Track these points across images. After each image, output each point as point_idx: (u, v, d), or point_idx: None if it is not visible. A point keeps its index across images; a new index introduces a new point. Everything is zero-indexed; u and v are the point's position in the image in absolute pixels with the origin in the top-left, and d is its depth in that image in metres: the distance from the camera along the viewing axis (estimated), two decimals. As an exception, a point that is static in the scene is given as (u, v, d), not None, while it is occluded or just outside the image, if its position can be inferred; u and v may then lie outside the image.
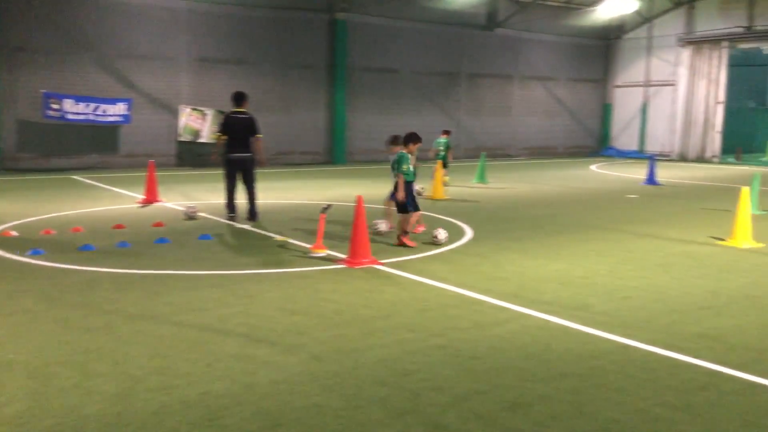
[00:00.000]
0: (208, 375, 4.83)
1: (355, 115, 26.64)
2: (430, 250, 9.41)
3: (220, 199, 12.35)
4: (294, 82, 25.24)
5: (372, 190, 16.99)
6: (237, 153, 11.47)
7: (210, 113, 22.86)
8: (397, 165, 9.60)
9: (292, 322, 6.10)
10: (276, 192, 16.43)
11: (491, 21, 29.70)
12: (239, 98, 11.64)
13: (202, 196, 15.19)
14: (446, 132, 18.69)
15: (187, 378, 4.77)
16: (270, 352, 5.33)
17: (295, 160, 25.40)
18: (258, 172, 11.91)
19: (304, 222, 11.66)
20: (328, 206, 9.48)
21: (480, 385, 4.73)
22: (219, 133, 11.83)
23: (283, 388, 4.62)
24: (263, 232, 10.69)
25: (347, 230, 9.21)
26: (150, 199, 14.04)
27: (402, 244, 9.51)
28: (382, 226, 10.30)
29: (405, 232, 9.61)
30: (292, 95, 25.24)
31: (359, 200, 8.49)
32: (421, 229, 10.48)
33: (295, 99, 25.34)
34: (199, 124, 22.88)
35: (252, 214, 11.69)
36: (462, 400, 4.47)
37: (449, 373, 4.92)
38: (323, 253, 8.96)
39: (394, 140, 10.19)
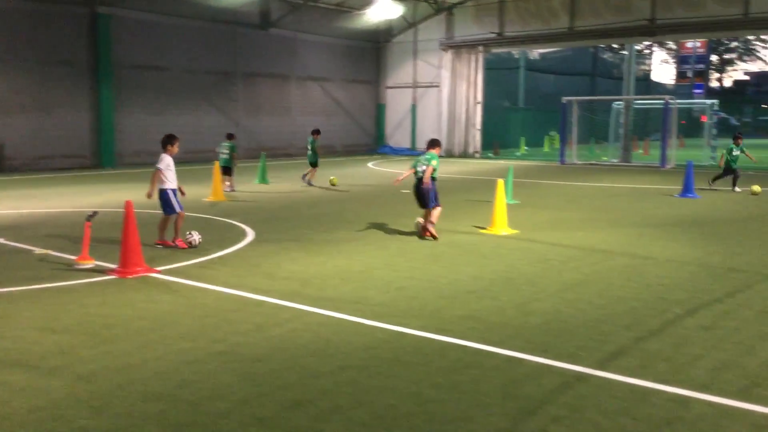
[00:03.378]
0: (-48, 411, 4.26)
1: (125, 115, 25.13)
2: (211, 254, 9.16)
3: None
4: (53, 80, 23.18)
5: (143, 194, 16.14)
6: None
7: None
8: (427, 162, 10.66)
9: (54, 341, 5.59)
10: (35, 200, 15.00)
11: (265, 20, 29.64)
12: None
13: (-57, 208, 13.38)
14: (230, 136, 17.86)
15: (-75, 417, 4.17)
16: (28, 376, 4.83)
17: (57, 165, 23.36)
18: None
19: (67, 232, 10.76)
20: (94, 213, 8.81)
21: (261, 387, 4.69)
22: None
23: (45, 414, 4.21)
24: (19, 245, 9.67)
25: (118, 238, 8.63)
26: None
27: (431, 235, 10.48)
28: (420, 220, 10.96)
29: (431, 223, 10.57)
30: (51, 94, 23.16)
31: (129, 206, 8.00)
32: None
33: (56, 98, 23.29)
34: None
35: None
36: (242, 405, 4.39)
37: (230, 380, 4.82)
38: (90, 264, 8.32)
39: (431, 143, 11.25)
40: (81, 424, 4.09)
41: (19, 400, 4.42)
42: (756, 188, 16.78)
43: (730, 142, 18.27)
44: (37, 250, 9.27)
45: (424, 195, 10.59)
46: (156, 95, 26.11)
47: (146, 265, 8.09)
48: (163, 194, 9.50)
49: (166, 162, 9.43)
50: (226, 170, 16.87)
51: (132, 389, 4.62)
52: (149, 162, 25.65)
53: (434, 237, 10.44)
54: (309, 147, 18.67)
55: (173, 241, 9.56)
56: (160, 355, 5.28)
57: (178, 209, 9.55)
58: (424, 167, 10.68)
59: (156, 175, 9.34)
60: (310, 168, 18.91)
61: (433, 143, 11.22)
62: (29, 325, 6.00)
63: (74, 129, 23.85)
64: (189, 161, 27.11)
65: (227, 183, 16.83)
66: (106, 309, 6.53)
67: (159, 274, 7.96)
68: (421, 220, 10.80)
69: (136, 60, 25.36)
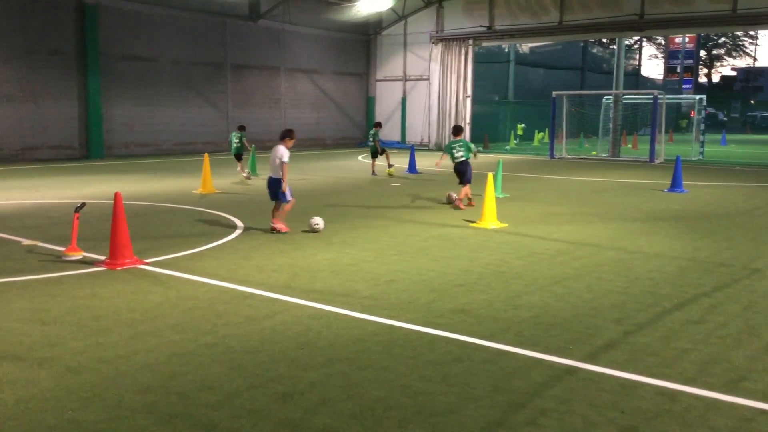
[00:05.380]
0: (-61, 403, 4.23)
1: (113, 106, 24.95)
2: (200, 246, 9.13)
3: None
4: (40, 69, 22.94)
5: (132, 185, 16.07)
6: None
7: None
8: (467, 148, 13.17)
9: (43, 333, 5.56)
10: (22, 191, 14.89)
11: (254, 12, 29.47)
12: None
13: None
14: (241, 127, 18.80)
15: None
16: (16, 368, 4.80)
17: (44, 156, 23.18)
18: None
19: (55, 223, 10.69)
20: (83, 205, 8.76)
21: (252, 379, 4.69)
22: None
23: (33, 406, 4.19)
24: (7, 237, 9.60)
25: (107, 229, 8.60)
26: None
27: (461, 206, 12.96)
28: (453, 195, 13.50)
29: (460, 199, 13.06)
30: (37, 84, 22.93)
31: (117, 197, 7.96)
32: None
33: (42, 88, 23.06)
34: None
35: None
36: (233, 396, 4.39)
37: (220, 371, 4.81)
38: (79, 255, 8.28)
39: (458, 130, 13.42)
40: (70, 416, 4.08)
41: (7, 391, 4.40)
42: None
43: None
44: (25, 242, 9.22)
45: (465, 172, 12.97)
46: (144, 86, 25.93)
47: (135, 257, 8.06)
48: (280, 184, 10.11)
49: (288, 155, 10.12)
50: (238, 157, 18.45)
51: (122, 381, 4.61)
52: (138, 153, 25.62)
53: (461, 208, 12.85)
54: (372, 138, 19.96)
55: (273, 226, 10.29)
56: (150, 347, 5.27)
57: (290, 197, 10.31)
58: (462, 152, 12.99)
59: (284, 168, 9.99)
60: (374, 159, 20.31)
61: (459, 130, 13.30)
62: (17, 317, 5.97)
63: (62, 119, 23.67)
64: (177, 153, 27.00)
65: (243, 170, 18.36)
66: (96, 301, 6.50)
67: (148, 266, 7.93)
68: (453, 194, 13.36)
69: (124, 50, 25.16)
